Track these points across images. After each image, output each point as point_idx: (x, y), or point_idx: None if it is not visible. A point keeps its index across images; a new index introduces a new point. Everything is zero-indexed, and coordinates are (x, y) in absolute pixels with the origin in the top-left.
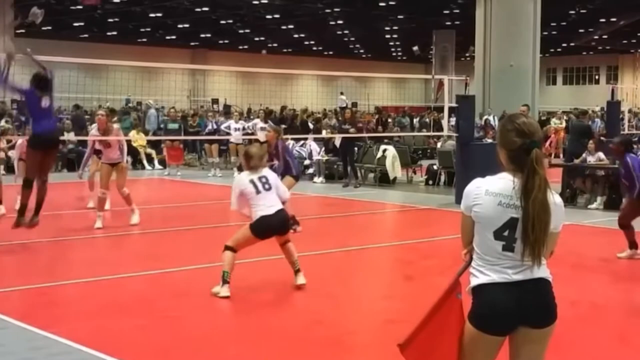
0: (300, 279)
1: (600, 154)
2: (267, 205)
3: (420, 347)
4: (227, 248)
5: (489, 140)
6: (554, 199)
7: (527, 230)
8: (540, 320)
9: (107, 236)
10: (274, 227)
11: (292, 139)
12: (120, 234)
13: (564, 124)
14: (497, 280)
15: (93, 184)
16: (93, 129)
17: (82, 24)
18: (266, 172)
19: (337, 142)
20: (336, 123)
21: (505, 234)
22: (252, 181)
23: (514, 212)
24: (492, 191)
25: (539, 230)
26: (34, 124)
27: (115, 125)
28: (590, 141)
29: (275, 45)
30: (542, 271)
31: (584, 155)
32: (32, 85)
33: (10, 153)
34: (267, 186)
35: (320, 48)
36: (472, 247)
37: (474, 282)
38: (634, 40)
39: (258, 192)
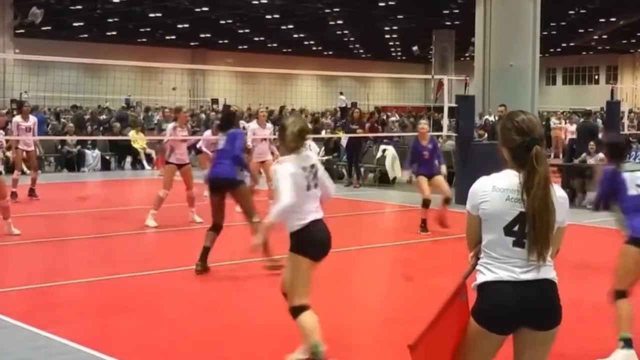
0: None
1: (601, 155)
2: None
3: (428, 349)
4: None
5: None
6: (559, 193)
7: (530, 227)
8: (545, 322)
9: (107, 236)
10: None
11: None
12: (121, 234)
13: (563, 124)
14: (504, 279)
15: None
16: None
17: (82, 24)
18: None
19: (344, 142)
20: (331, 123)
21: (515, 229)
22: None
23: (523, 206)
24: (500, 187)
25: (540, 228)
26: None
27: None
28: (591, 142)
29: (275, 45)
30: (549, 272)
31: (583, 155)
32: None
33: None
34: None
35: (320, 48)
36: (479, 250)
37: (481, 279)
38: (634, 40)
39: None
